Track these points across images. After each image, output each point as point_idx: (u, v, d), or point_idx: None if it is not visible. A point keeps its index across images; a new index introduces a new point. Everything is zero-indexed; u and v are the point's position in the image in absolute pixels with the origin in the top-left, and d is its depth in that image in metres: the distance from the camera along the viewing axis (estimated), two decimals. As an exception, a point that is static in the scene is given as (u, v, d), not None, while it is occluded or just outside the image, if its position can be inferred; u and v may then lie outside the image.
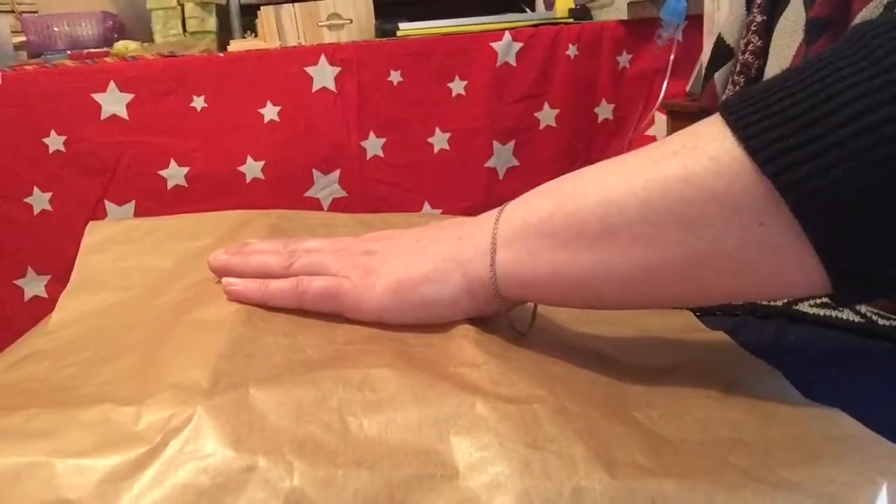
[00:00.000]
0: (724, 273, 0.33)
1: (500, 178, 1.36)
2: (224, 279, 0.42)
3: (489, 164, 1.34)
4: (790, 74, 0.32)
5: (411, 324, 0.39)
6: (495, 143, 1.33)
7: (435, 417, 0.30)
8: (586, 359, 0.39)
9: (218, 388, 0.31)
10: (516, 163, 1.36)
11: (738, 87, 0.53)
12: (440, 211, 1.31)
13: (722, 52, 0.61)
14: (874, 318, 0.44)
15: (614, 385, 0.37)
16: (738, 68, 0.52)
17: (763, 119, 0.31)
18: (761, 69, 0.51)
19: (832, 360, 0.44)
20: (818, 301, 0.46)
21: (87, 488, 0.27)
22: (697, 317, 0.48)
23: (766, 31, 0.51)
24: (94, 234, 0.56)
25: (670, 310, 0.47)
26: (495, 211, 0.39)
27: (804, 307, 0.46)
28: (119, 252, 0.55)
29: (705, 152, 0.32)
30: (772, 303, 0.47)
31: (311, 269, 0.41)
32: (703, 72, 0.66)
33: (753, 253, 0.32)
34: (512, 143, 1.34)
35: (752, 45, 0.52)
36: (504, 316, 0.40)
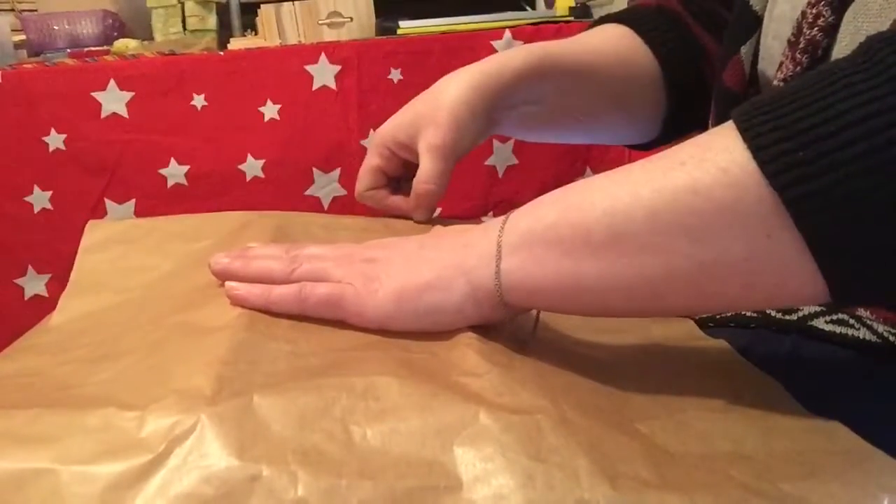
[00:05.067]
0: (729, 283, 0.33)
1: (500, 176, 1.35)
2: (227, 283, 0.41)
3: (489, 162, 1.33)
4: (803, 84, 0.32)
5: (414, 331, 0.39)
6: (495, 142, 1.33)
7: (438, 428, 0.30)
8: (588, 368, 0.39)
9: (222, 395, 0.31)
10: (516, 161, 1.36)
11: (799, 68, 0.46)
12: (440, 210, 1.31)
13: (747, 21, 0.52)
14: (891, 338, 0.43)
15: (616, 395, 0.37)
16: (802, 45, 0.45)
17: (774, 130, 0.31)
18: (828, 49, 0.44)
19: (845, 379, 0.43)
20: (834, 318, 0.45)
21: (91, 497, 0.26)
22: (710, 328, 0.47)
23: (842, 4, 0.43)
24: (93, 234, 0.55)
25: (672, 318, 0.47)
26: (500, 218, 0.39)
27: (820, 324, 0.46)
28: (119, 252, 0.54)
29: (715, 163, 0.32)
30: (786, 317, 0.47)
31: (313, 276, 0.41)
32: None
33: (759, 264, 0.32)
34: (512, 141, 1.33)
35: (822, 19, 0.43)
36: (507, 323, 0.40)
